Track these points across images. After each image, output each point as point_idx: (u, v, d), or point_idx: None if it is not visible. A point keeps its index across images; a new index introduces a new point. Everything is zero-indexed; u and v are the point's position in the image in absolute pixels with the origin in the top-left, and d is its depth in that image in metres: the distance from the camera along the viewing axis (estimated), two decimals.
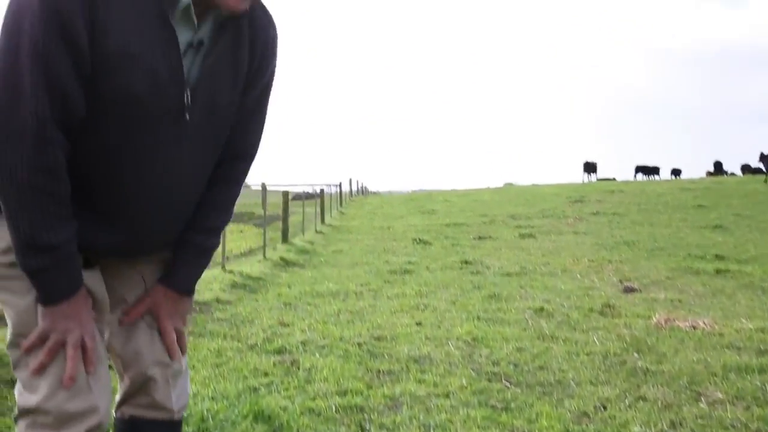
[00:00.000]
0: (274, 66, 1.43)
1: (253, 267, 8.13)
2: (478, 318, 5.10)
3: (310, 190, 20.33)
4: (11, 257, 1.23)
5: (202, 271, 1.47)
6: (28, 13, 1.11)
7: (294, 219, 13.78)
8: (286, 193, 12.83)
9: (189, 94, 1.25)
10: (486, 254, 9.80)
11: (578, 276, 7.53)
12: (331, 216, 19.51)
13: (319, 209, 17.21)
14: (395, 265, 8.61)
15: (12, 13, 1.13)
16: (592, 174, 40.78)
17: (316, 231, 14.86)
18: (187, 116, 1.26)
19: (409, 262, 8.86)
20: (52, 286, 1.21)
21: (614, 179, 39.00)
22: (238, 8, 1.21)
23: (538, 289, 6.59)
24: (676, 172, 40.91)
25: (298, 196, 21.45)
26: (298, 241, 12.23)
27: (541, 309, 5.39)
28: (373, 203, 26.42)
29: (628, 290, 6.63)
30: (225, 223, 1.48)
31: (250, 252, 11.21)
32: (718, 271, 7.57)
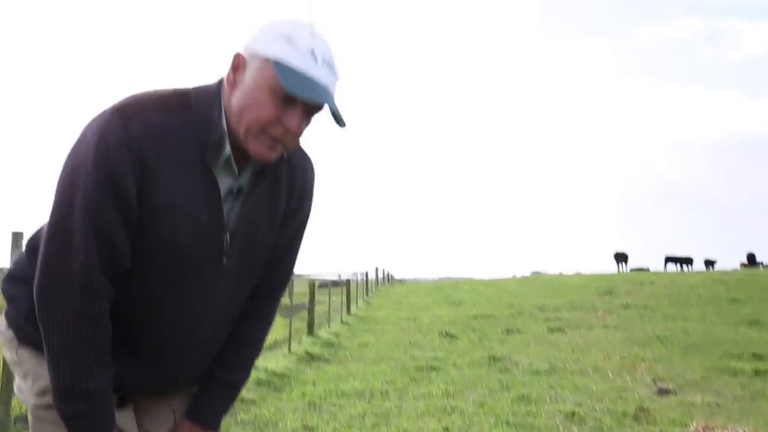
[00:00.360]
0: (311, 206, 1.48)
1: (278, 362, 8.05)
2: (507, 423, 4.95)
3: (336, 277, 20.33)
4: (48, 399, 1.26)
5: (229, 406, 1.48)
6: (82, 171, 1.19)
7: (320, 309, 13.72)
8: (312, 283, 12.83)
9: (228, 238, 1.30)
10: (514, 349, 9.60)
11: (610, 375, 7.32)
12: (357, 306, 19.41)
13: (345, 298, 17.15)
14: (421, 360, 8.47)
15: (68, 171, 1.21)
16: (623, 264, 40.07)
17: (342, 322, 14.76)
18: (225, 260, 1.31)
19: (436, 358, 8.71)
20: (85, 430, 1.23)
21: (648, 269, 38.25)
22: (269, 158, 1.27)
23: (569, 389, 6.40)
24: (709, 264, 39.58)
25: (324, 284, 21.41)
26: (323, 333, 12.13)
27: (573, 413, 5.22)
28: (399, 292, 26.25)
29: (663, 392, 6.41)
30: (255, 358, 1.49)
31: (276, 344, 11.06)
32: (756, 372, 7.30)
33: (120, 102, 1.24)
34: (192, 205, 1.24)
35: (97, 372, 1.22)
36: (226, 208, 1.30)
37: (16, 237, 3.97)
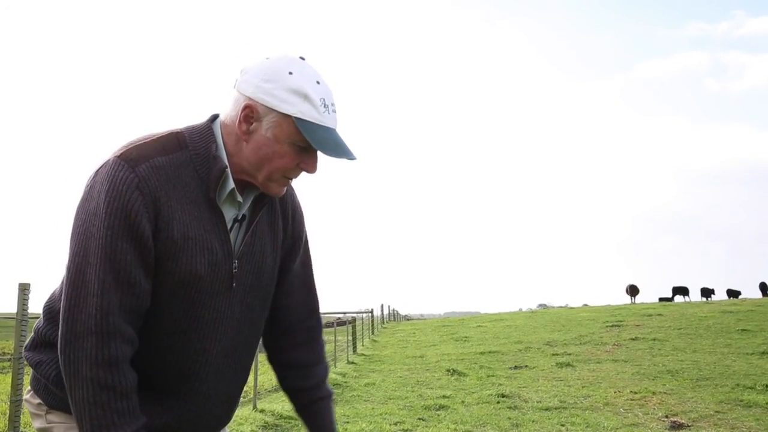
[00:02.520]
0: (305, 228, 1.58)
1: (285, 404, 7.95)
2: None
3: (341, 315, 20.22)
4: None
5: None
6: (95, 220, 1.21)
7: (326, 348, 13.59)
8: None
9: (236, 264, 1.35)
10: (523, 385, 9.48)
11: (621, 410, 7.21)
12: (363, 344, 19.24)
13: (350, 337, 17.01)
14: (429, 399, 8.36)
15: (81, 222, 1.23)
16: (635, 296, 39.65)
17: (348, 361, 14.62)
18: (234, 284, 1.35)
19: (444, 396, 8.60)
20: None
21: (672, 299, 37.81)
22: (280, 194, 1.37)
23: (580, 426, 6.31)
24: (733, 293, 38.52)
25: (330, 324, 21.29)
26: (330, 373, 12.00)
27: None
28: (406, 330, 26.03)
29: (676, 427, 6.32)
30: (327, 372, 1.61)
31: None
32: None
33: (120, 149, 1.27)
34: (204, 237, 1.29)
35: (120, 422, 1.18)
36: (232, 236, 1.36)
37: (23, 288, 3.98)
